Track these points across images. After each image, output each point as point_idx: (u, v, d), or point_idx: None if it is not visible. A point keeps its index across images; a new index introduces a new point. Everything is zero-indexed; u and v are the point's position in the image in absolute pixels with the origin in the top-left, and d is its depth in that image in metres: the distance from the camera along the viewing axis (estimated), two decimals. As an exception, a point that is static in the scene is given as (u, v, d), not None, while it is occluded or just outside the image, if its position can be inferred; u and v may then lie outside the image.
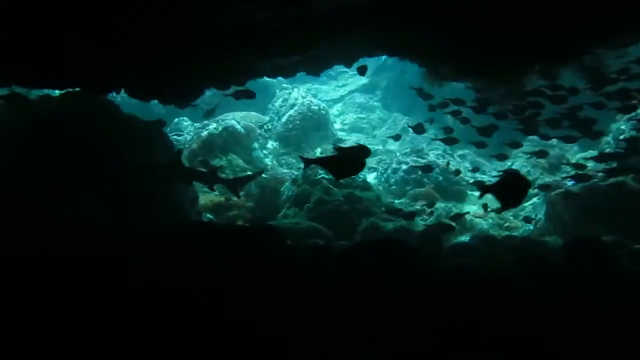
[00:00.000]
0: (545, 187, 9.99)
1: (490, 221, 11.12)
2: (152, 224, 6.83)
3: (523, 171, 12.38)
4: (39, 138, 6.85)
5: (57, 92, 7.85)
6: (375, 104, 20.57)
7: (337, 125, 18.15)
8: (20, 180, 6.41)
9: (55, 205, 6.18)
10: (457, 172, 11.49)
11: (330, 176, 10.09)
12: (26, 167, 6.58)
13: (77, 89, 7.06)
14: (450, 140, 9.94)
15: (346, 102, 20.93)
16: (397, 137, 11.24)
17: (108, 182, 6.98)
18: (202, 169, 9.67)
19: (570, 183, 10.03)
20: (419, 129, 10.18)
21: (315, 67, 8.40)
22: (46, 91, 7.96)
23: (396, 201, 11.69)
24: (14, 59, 5.58)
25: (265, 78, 9.60)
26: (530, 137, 12.33)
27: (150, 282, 4.23)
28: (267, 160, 13.92)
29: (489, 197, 12.36)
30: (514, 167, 13.07)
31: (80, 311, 3.79)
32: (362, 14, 5.73)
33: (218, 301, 4.02)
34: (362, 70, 9.20)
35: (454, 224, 8.81)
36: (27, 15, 4.73)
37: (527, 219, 10.16)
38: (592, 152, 11.27)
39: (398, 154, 14.11)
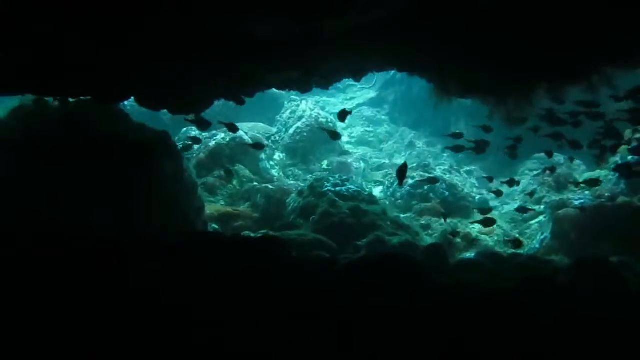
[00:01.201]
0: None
1: (496, 238, 11.10)
2: (159, 233, 6.85)
3: (529, 189, 12.38)
4: (48, 145, 6.90)
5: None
6: (383, 117, 20.63)
7: (344, 138, 18.21)
8: (28, 187, 6.45)
9: (61, 211, 6.22)
10: (499, 192, 10.58)
11: (336, 189, 10.15)
12: (34, 174, 6.63)
13: (88, 97, 7.12)
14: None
15: (354, 115, 21.01)
16: (458, 149, 9.84)
17: (117, 192, 7.02)
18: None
19: (577, 202, 10.00)
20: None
21: (325, 80, 8.45)
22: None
23: (402, 215, 11.69)
24: (24, 66, 5.63)
25: (274, 90, 9.67)
26: (537, 155, 12.36)
27: (154, 291, 4.24)
28: (274, 172, 13.96)
29: (494, 213, 12.38)
30: (520, 185, 13.04)
31: (83, 318, 3.80)
32: (372, 31, 5.77)
33: (220, 312, 4.02)
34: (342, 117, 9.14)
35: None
36: (38, 22, 4.79)
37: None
38: (600, 172, 11.23)
39: (405, 168, 14.11)
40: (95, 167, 7.03)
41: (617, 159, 10.61)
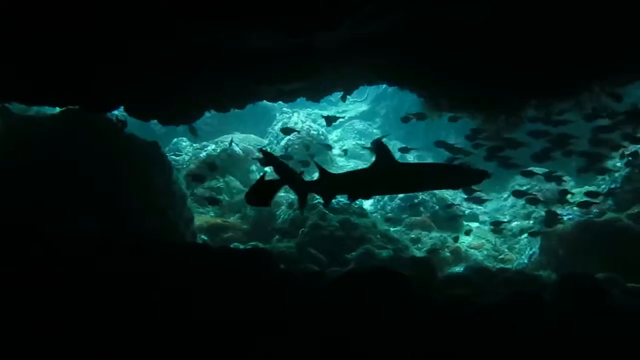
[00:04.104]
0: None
1: (485, 252, 11.12)
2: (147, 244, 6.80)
3: (519, 204, 12.43)
4: (37, 154, 6.86)
5: (57, 109, 7.88)
6: (375, 131, 20.69)
7: (335, 151, 18.26)
8: (17, 195, 6.40)
9: (49, 221, 6.16)
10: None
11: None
12: (24, 182, 6.58)
13: (77, 106, 7.08)
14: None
15: (345, 129, 21.05)
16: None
17: (104, 201, 6.97)
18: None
19: (566, 217, 10.05)
20: None
21: (316, 93, 8.47)
22: (45, 108, 8.00)
23: (392, 229, 11.69)
24: (13, 74, 5.61)
25: (266, 102, 9.67)
26: (529, 169, 12.39)
27: (142, 301, 4.20)
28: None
29: (484, 228, 12.42)
30: (509, 199, 13.08)
31: (70, 327, 3.77)
32: (364, 45, 5.81)
33: (207, 324, 3.99)
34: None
35: None
36: (28, 32, 4.78)
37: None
38: (589, 187, 11.31)
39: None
40: (83, 177, 6.99)
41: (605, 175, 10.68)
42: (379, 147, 5.54)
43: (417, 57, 6.20)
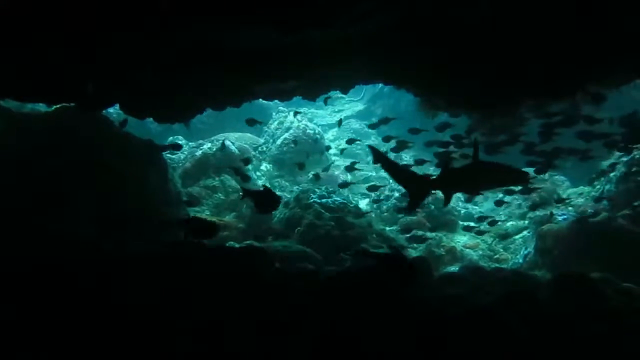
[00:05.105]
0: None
1: (481, 252, 11.13)
2: (142, 242, 6.78)
3: (514, 204, 12.44)
4: (31, 152, 6.82)
5: (53, 106, 7.84)
6: (370, 130, 20.65)
7: (331, 150, 18.23)
8: (10, 194, 6.37)
9: (42, 220, 6.14)
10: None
11: (322, 201, 10.13)
12: (16, 181, 6.55)
13: (72, 104, 7.06)
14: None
15: (341, 128, 21.00)
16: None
17: (100, 199, 6.95)
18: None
19: (561, 217, 10.07)
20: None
21: (312, 92, 8.47)
22: (40, 105, 7.97)
23: (387, 228, 11.69)
24: (8, 72, 5.58)
25: (262, 101, 9.65)
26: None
27: (136, 300, 4.19)
28: (261, 182, 13.92)
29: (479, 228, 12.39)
30: (505, 200, 13.10)
31: (63, 327, 3.75)
32: (358, 44, 5.81)
33: (202, 323, 3.99)
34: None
35: None
36: (24, 30, 4.76)
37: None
38: (583, 188, 11.34)
39: (391, 181, 14.13)
40: (78, 175, 6.96)
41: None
42: (475, 144, 5.43)
43: (416, 57, 6.20)
